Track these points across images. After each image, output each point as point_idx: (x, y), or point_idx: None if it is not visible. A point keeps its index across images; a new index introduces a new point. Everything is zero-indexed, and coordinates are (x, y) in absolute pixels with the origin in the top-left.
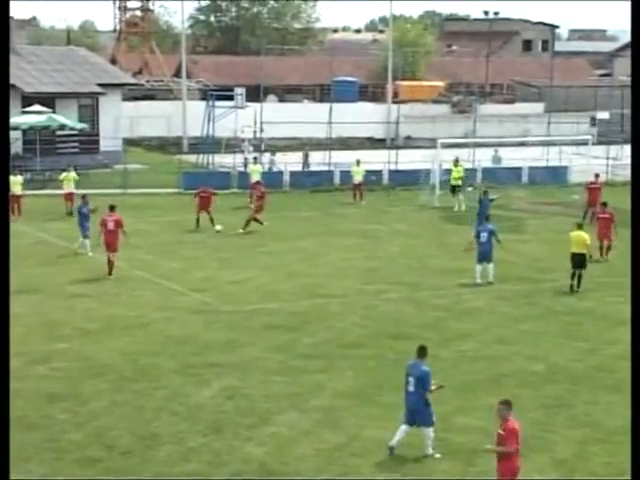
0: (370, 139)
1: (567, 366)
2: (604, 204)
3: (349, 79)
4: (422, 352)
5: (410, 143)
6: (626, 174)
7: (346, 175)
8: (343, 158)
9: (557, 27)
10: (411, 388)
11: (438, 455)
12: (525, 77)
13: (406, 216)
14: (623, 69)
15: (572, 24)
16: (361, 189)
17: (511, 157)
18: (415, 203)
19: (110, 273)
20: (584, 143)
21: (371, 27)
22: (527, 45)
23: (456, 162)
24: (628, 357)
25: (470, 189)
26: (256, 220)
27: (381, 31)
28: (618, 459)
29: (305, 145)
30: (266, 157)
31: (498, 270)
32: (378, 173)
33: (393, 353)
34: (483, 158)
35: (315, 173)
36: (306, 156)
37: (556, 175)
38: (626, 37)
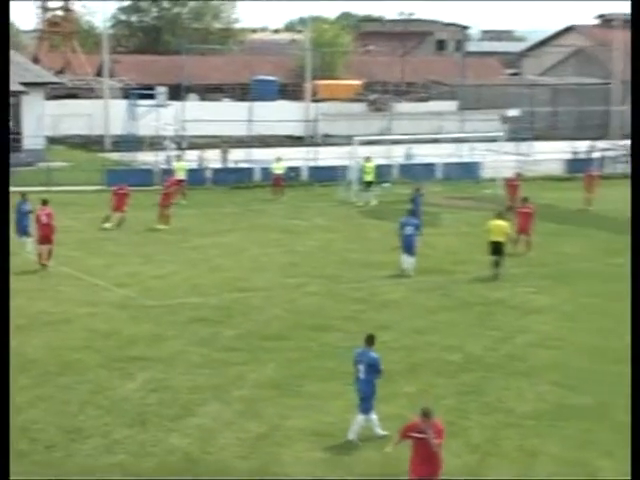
0: (290, 137)
1: (481, 355)
2: (525, 199)
3: (269, 78)
4: (370, 340)
5: (328, 140)
6: (536, 169)
7: (266, 172)
8: (263, 155)
9: (469, 28)
10: (361, 375)
11: (386, 433)
12: (439, 76)
13: (325, 211)
14: (531, 68)
15: (483, 25)
16: (282, 185)
17: (426, 153)
18: (334, 198)
19: (45, 263)
20: (495, 140)
21: (289, 28)
22: (440, 45)
23: (367, 159)
24: (538, 345)
25: (387, 185)
26: (163, 217)
27: (299, 31)
28: (529, 442)
29: (225, 143)
30: (193, 154)
31: (415, 263)
32: (297, 170)
33: (314, 344)
34: (399, 155)
35: (236, 170)
36: (225, 153)
37: (469, 171)
38: (534, 37)
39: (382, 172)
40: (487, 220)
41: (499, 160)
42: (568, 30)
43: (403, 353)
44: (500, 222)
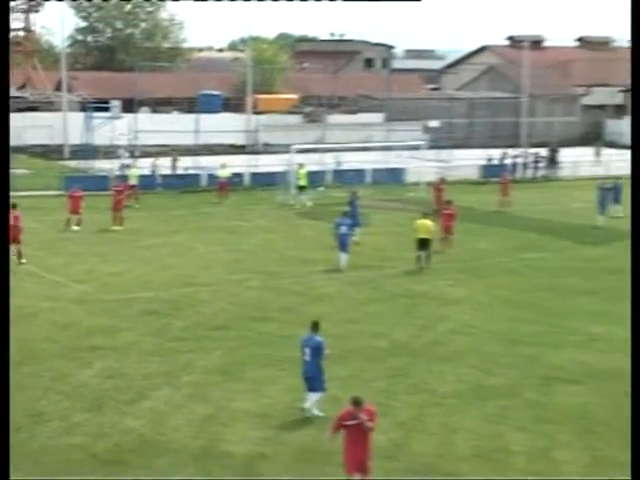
0: (233, 145)
1: (407, 341)
2: (448, 202)
3: (214, 93)
4: (315, 326)
5: (268, 149)
6: (454, 174)
7: (212, 177)
8: (209, 162)
9: (394, 47)
10: (307, 358)
11: (322, 414)
12: (367, 91)
13: (266, 213)
14: (450, 84)
15: (407, 45)
16: (226, 190)
17: (356, 160)
18: (273, 202)
19: (23, 262)
20: (418, 148)
21: (232, 47)
22: (368, 63)
23: (300, 166)
24: (457, 332)
25: (321, 189)
26: (117, 219)
27: (241, 50)
28: (451, 419)
29: (175, 151)
30: (145, 162)
31: (348, 259)
32: (240, 175)
33: (255, 334)
34: (332, 162)
35: (185, 176)
36: (174, 161)
37: (395, 176)
38: (452, 56)
39: (316, 177)
40: (412, 220)
41: (421, 166)
42: (482, 50)
43: (336, 341)
44: (426, 221)
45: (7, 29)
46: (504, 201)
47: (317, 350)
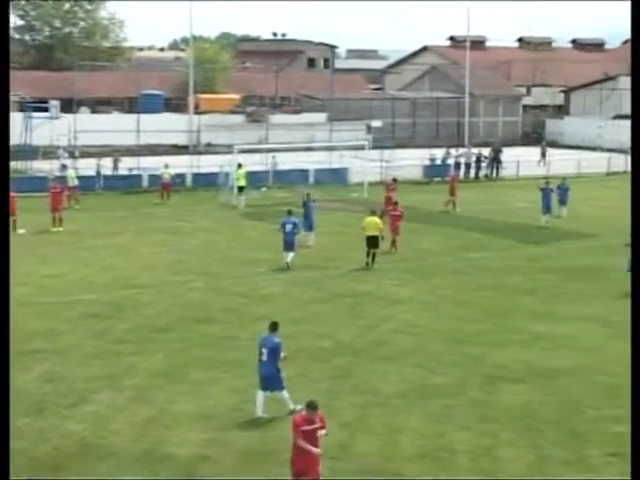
0: (175, 146)
1: (351, 341)
2: (395, 203)
3: (155, 92)
4: (274, 327)
5: (210, 149)
6: (398, 174)
7: (154, 178)
8: (151, 163)
9: (336, 47)
10: (264, 358)
11: (300, 407)
12: (310, 91)
13: (208, 214)
14: (392, 84)
15: (349, 45)
16: (169, 190)
17: (299, 160)
18: (215, 202)
19: None
20: (361, 148)
21: (173, 46)
22: (311, 62)
23: (239, 166)
24: (401, 331)
25: (263, 189)
26: (57, 220)
27: (182, 49)
28: (395, 419)
29: (116, 152)
30: (86, 163)
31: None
32: (182, 176)
33: (198, 336)
34: (275, 162)
35: (126, 177)
36: (116, 161)
37: (338, 176)
38: (394, 56)
39: (259, 178)
40: (356, 220)
41: (365, 166)
42: (424, 50)
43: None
44: (374, 218)
45: (7, 29)
46: (451, 200)
47: (274, 351)
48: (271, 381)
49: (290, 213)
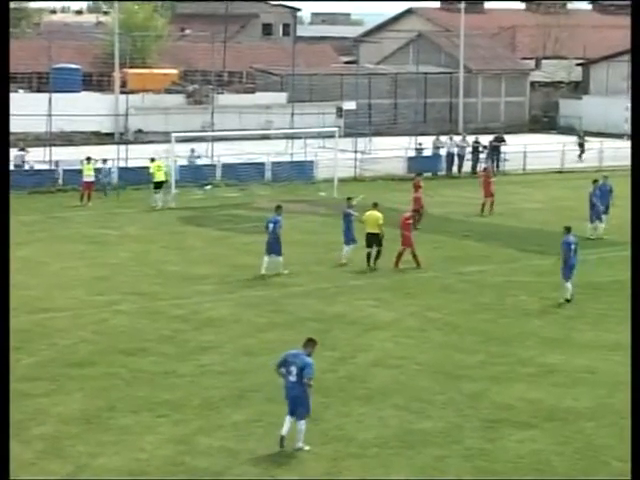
0: (96, 133)
1: (317, 377)
2: (375, 205)
3: (71, 66)
4: (310, 343)
5: (141, 137)
6: (374, 168)
7: (71, 174)
8: (67, 155)
9: (299, 10)
10: (293, 378)
11: (307, 447)
12: (266, 64)
13: (139, 218)
14: (369, 55)
15: (314, 7)
16: (91, 189)
17: (253, 152)
18: (149, 204)
19: None
20: (331, 136)
21: (94, 9)
22: (267, 29)
23: (152, 159)
24: (380, 364)
25: (208, 187)
26: None
27: (105, 13)
28: (372, 474)
29: (21, 141)
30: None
31: (239, 276)
32: (106, 171)
33: (126, 371)
34: (224, 153)
35: (35, 172)
36: (21, 153)
37: (301, 171)
38: (371, 21)
39: (203, 173)
40: (323, 226)
41: (335, 159)
42: (408, 13)
43: (230, 377)
44: (374, 212)
45: (7, 29)
46: (488, 202)
47: (303, 371)
48: (298, 405)
49: (278, 208)
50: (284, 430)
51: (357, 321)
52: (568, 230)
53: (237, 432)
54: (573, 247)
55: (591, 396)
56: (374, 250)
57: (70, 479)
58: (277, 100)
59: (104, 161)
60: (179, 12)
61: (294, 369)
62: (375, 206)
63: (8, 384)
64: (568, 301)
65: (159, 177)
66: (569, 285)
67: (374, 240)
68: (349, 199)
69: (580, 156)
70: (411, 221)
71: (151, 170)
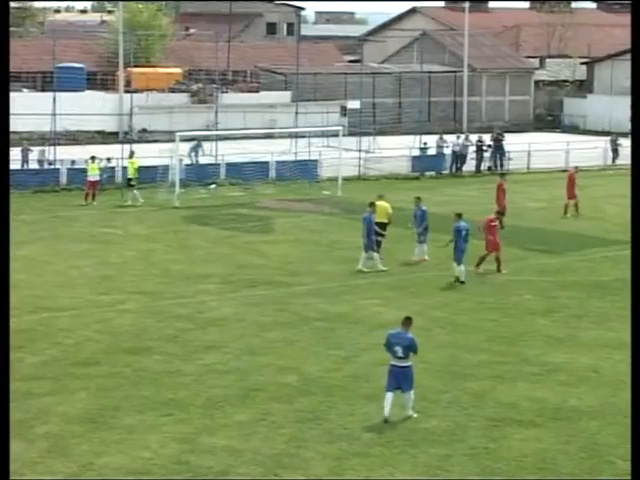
0: (101, 132)
1: (321, 376)
2: (380, 196)
3: (75, 65)
4: (408, 321)
5: (146, 136)
6: (379, 167)
7: (75, 173)
8: (71, 154)
9: (303, 9)
10: (400, 355)
11: (415, 415)
12: (270, 63)
13: (143, 217)
14: (373, 55)
15: (318, 6)
16: (96, 189)
17: (257, 151)
18: (153, 202)
19: None
20: (335, 135)
21: (98, 8)
22: (271, 28)
23: (131, 154)
24: (384, 364)
25: (212, 186)
26: None
27: (110, 12)
28: (377, 473)
29: (25, 140)
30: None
31: (243, 276)
32: (111, 170)
33: (131, 370)
34: (227, 152)
35: (39, 171)
36: (25, 152)
37: (305, 170)
38: (375, 20)
39: (208, 172)
40: (327, 225)
41: (339, 157)
42: (412, 12)
43: (234, 377)
44: (383, 202)
45: (7, 29)
46: (573, 203)
47: (409, 348)
48: (406, 381)
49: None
50: (387, 411)
51: (362, 320)
52: (459, 216)
53: (241, 431)
54: (464, 233)
55: (595, 395)
56: (381, 239)
57: (74, 479)
58: (281, 99)
59: (108, 160)
60: (183, 11)
61: (399, 349)
62: (381, 197)
63: (8, 384)
64: (461, 282)
65: (131, 174)
66: (462, 268)
67: (382, 229)
68: (371, 204)
69: (614, 160)
70: (496, 223)
71: (129, 168)
